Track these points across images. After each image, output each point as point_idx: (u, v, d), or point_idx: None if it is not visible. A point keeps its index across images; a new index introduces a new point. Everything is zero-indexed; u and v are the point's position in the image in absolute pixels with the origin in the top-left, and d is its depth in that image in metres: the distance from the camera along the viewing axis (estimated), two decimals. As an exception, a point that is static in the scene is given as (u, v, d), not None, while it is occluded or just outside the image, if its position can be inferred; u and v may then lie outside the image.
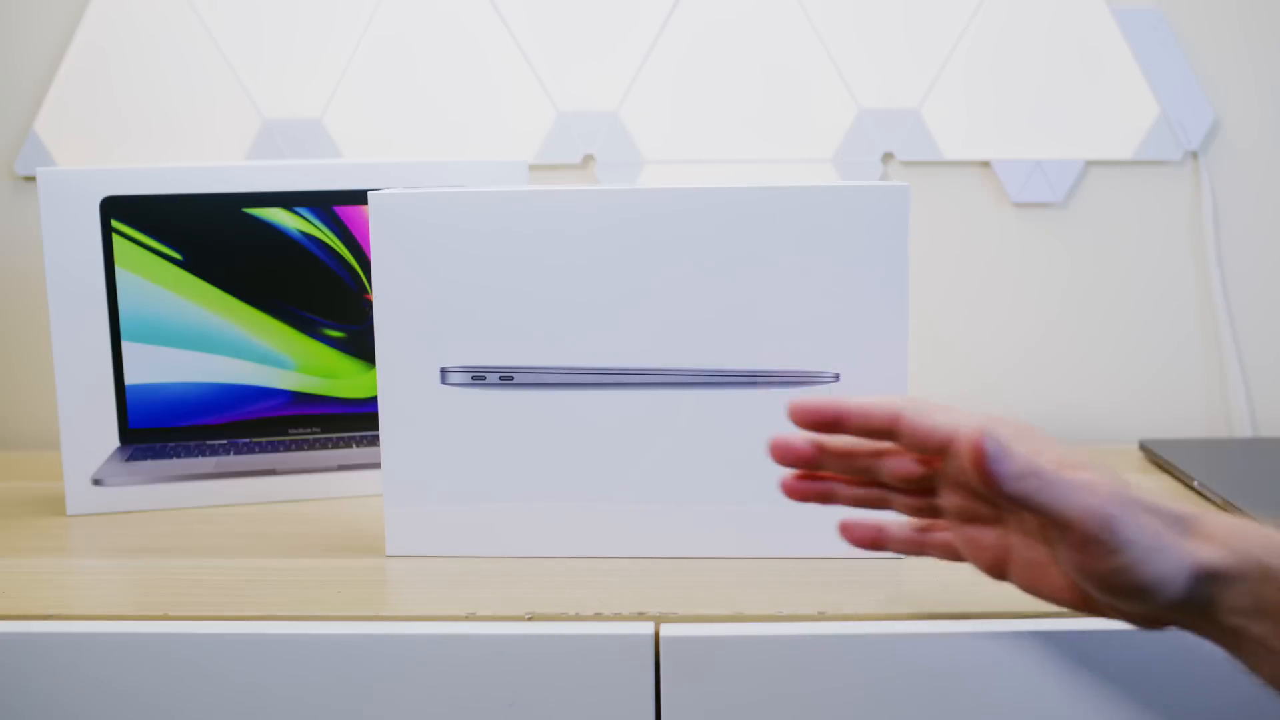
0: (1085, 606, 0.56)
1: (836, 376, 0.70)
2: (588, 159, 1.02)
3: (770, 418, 0.67)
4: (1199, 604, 0.55)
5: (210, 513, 0.83)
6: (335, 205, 0.85)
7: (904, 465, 0.58)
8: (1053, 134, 1.01)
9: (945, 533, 0.60)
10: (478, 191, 0.70)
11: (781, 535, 0.71)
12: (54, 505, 0.84)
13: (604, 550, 0.72)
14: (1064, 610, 0.64)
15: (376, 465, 0.87)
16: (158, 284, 0.83)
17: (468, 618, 0.64)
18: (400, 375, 0.72)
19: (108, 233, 0.81)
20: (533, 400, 0.71)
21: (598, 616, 0.64)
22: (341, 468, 0.87)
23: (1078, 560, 0.54)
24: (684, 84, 1.01)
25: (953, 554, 0.60)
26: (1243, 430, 1.02)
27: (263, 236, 0.84)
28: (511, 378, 0.71)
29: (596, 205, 0.69)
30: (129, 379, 0.83)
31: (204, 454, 0.85)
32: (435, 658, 0.63)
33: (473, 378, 0.71)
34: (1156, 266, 1.03)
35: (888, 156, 1.02)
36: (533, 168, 1.01)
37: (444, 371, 0.72)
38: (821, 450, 0.58)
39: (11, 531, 0.79)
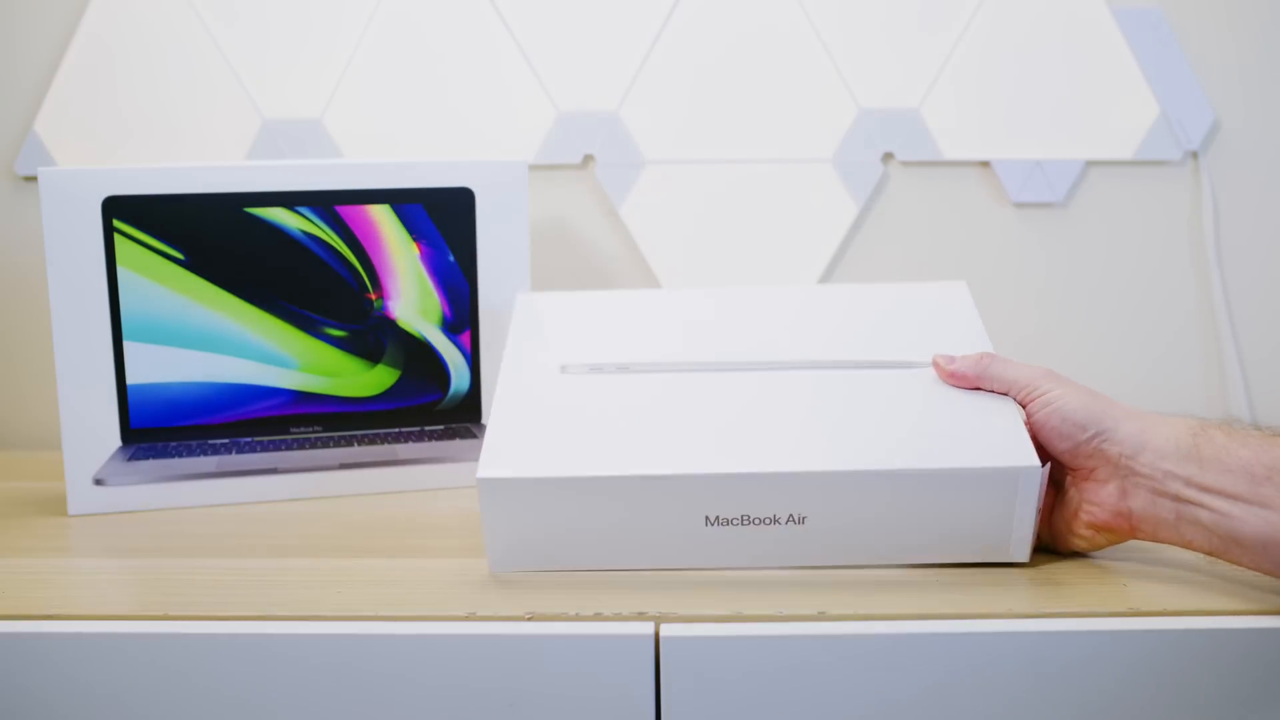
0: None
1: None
2: (588, 159, 1.02)
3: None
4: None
5: (211, 512, 0.83)
6: (337, 205, 0.85)
7: None
8: (1053, 134, 1.01)
9: None
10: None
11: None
12: (55, 505, 0.84)
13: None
14: (1064, 610, 0.64)
15: (378, 464, 0.88)
16: (159, 283, 0.83)
17: (468, 618, 0.64)
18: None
19: (109, 232, 0.82)
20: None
21: (598, 616, 0.64)
22: (343, 466, 0.87)
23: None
24: (684, 84, 1.01)
25: None
26: (1243, 430, 1.02)
27: (264, 236, 0.84)
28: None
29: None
30: (130, 378, 0.83)
31: (205, 453, 0.85)
32: (435, 658, 0.63)
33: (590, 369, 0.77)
34: (1156, 266, 1.03)
35: (888, 156, 1.02)
36: (533, 168, 1.01)
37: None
38: None
39: (12, 531, 0.80)
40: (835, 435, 0.71)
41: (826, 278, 1.03)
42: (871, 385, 0.75)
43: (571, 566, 0.69)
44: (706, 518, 0.68)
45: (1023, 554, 0.70)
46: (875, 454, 0.69)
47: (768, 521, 0.68)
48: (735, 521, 0.68)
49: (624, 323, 0.82)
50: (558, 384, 0.76)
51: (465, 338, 0.89)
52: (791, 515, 0.68)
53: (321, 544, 0.76)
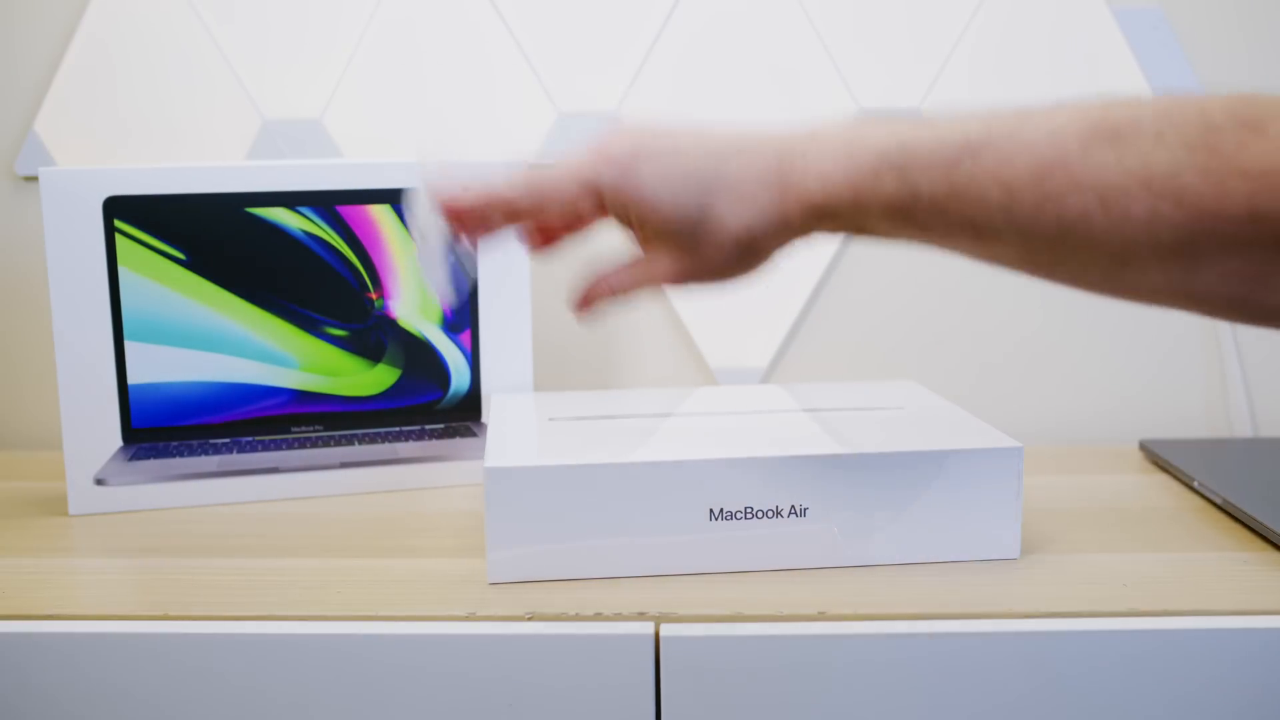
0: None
1: None
2: (588, 159, 1.02)
3: None
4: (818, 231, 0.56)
5: (212, 511, 0.84)
6: (338, 205, 0.85)
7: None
8: (1053, 134, 1.01)
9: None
10: None
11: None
12: (56, 505, 0.84)
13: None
14: (1064, 610, 0.64)
15: (378, 463, 0.88)
16: (160, 283, 0.83)
17: (468, 618, 0.64)
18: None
19: (110, 232, 0.82)
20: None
21: (598, 616, 0.64)
22: (344, 466, 0.87)
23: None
24: (684, 84, 1.01)
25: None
26: (1243, 430, 1.02)
27: (265, 236, 0.84)
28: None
29: None
30: (131, 378, 0.83)
31: (206, 453, 0.85)
32: (435, 658, 0.63)
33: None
34: (1157, 266, 1.03)
35: (888, 156, 1.02)
36: (532, 168, 1.01)
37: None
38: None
39: (13, 531, 0.80)
40: (831, 428, 0.74)
41: (826, 278, 1.03)
42: (851, 421, 0.78)
43: (573, 573, 0.69)
44: (711, 511, 0.69)
45: (1013, 549, 0.72)
46: (873, 440, 0.72)
47: (770, 514, 0.69)
48: (739, 515, 0.69)
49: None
50: (548, 427, 0.78)
51: (465, 337, 0.89)
52: (793, 507, 0.69)
53: (322, 544, 0.76)
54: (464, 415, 0.90)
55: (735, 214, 0.56)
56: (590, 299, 0.64)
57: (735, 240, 0.57)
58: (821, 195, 0.54)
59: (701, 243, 0.57)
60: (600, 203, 0.60)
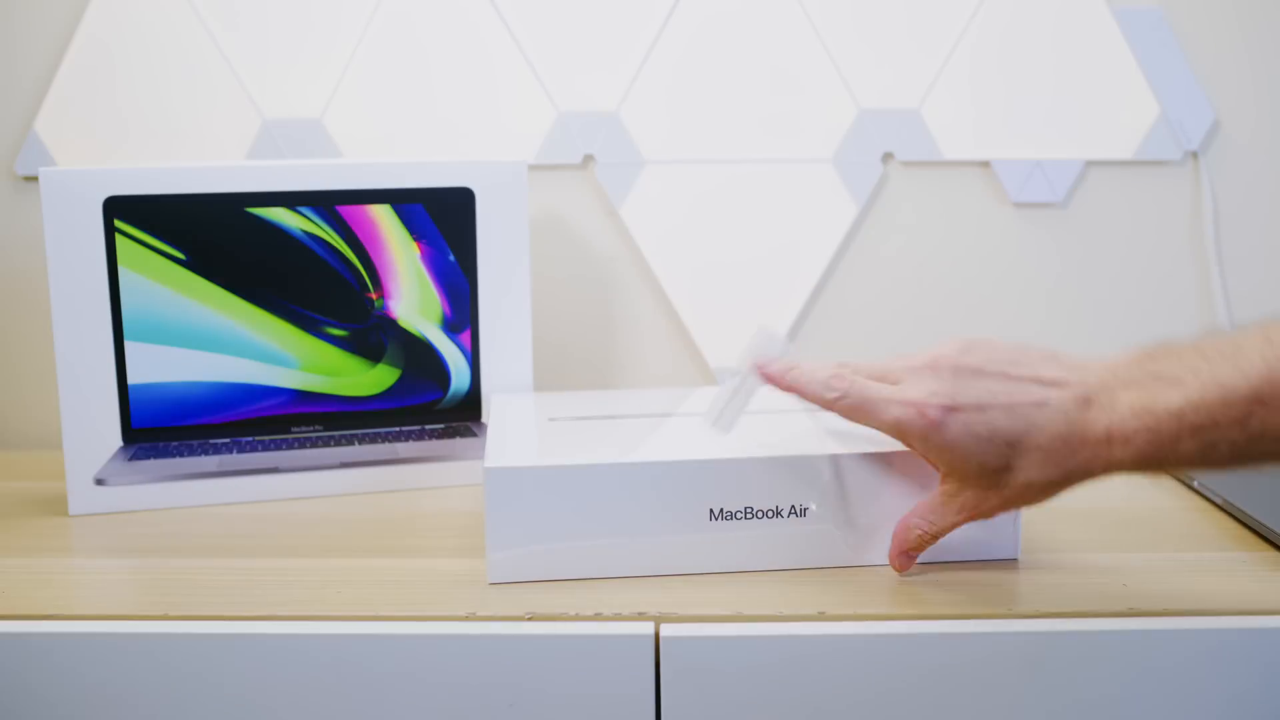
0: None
1: None
2: (588, 159, 1.02)
3: None
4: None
5: (212, 512, 0.83)
6: (338, 205, 0.85)
7: None
8: (1053, 134, 1.01)
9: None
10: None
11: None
12: (56, 505, 0.84)
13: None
14: (1064, 610, 0.64)
15: (378, 463, 0.88)
16: (161, 283, 0.83)
17: (468, 618, 0.64)
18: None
19: (110, 233, 0.82)
20: None
21: (598, 616, 0.64)
22: (344, 465, 0.87)
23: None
24: (684, 84, 1.01)
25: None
26: (1243, 430, 1.02)
27: (265, 236, 0.84)
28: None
29: None
30: (131, 378, 0.83)
31: (206, 453, 0.85)
32: (435, 658, 0.63)
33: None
34: (1156, 266, 1.03)
35: (888, 156, 1.02)
36: (532, 168, 1.01)
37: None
38: None
39: (13, 531, 0.80)
40: (831, 428, 0.74)
41: (826, 278, 1.03)
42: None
43: (573, 573, 0.69)
44: (711, 511, 0.69)
45: (1013, 549, 0.71)
46: (873, 440, 0.71)
47: (770, 514, 0.69)
48: (739, 515, 0.69)
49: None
50: (548, 427, 0.79)
51: (465, 337, 0.89)
52: (793, 507, 0.69)
53: (322, 543, 0.76)
54: (464, 415, 0.90)
55: (1041, 472, 0.60)
56: (906, 552, 0.68)
57: (1040, 491, 0.62)
58: (1127, 461, 0.59)
59: (1006, 487, 0.62)
60: None
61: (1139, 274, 1.03)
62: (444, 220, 0.87)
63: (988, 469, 0.61)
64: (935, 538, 0.67)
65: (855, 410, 0.64)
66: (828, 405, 0.65)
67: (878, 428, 0.64)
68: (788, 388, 0.66)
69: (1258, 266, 1.02)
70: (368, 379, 0.88)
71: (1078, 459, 0.59)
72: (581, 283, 1.03)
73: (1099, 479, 0.61)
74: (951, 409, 0.61)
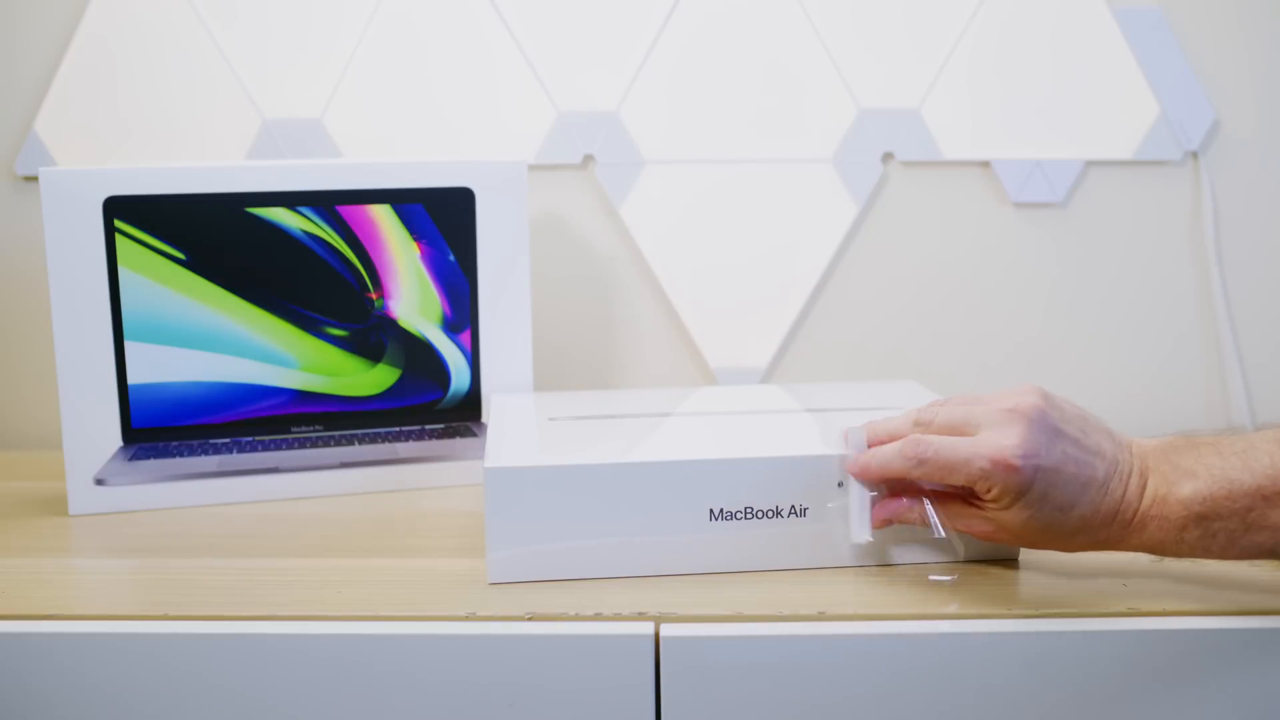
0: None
1: None
2: (588, 159, 1.02)
3: None
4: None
5: (212, 512, 0.84)
6: (338, 205, 0.85)
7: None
8: (1053, 134, 1.01)
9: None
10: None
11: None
12: (56, 505, 0.84)
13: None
14: (1064, 610, 0.64)
15: (378, 463, 0.88)
16: (161, 283, 0.83)
17: (468, 618, 0.64)
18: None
19: (110, 233, 0.82)
20: None
21: (598, 616, 0.64)
22: (344, 465, 0.87)
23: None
24: (684, 84, 1.01)
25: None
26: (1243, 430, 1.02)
27: (265, 236, 0.84)
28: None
29: None
30: (131, 378, 0.83)
31: (206, 453, 0.85)
32: (435, 658, 0.63)
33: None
34: (1156, 266, 1.03)
35: (888, 156, 1.02)
36: (532, 168, 1.01)
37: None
38: None
39: (13, 531, 0.80)
40: (831, 428, 0.74)
41: (826, 278, 1.03)
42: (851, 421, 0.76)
43: (573, 573, 0.69)
44: (711, 511, 0.69)
45: (1013, 549, 0.71)
46: None
47: (770, 514, 0.69)
48: (739, 515, 0.69)
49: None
50: (547, 427, 0.79)
51: (465, 337, 0.89)
52: (793, 507, 0.69)
53: (321, 544, 0.76)
54: (464, 415, 0.90)
55: (1073, 540, 0.65)
56: (892, 521, 0.69)
57: (1077, 549, 0.66)
58: (1141, 545, 0.65)
59: (1038, 536, 0.65)
60: None
61: (1139, 274, 1.03)
62: (444, 220, 0.87)
63: (1034, 523, 0.64)
64: (924, 525, 0.68)
65: (939, 473, 0.65)
66: (915, 478, 0.67)
67: (962, 484, 0.65)
68: (875, 479, 0.68)
69: (1258, 266, 1.02)
70: (368, 379, 0.88)
71: (1107, 533, 0.64)
72: (581, 283, 1.03)
73: (1108, 551, 0.66)
74: (1038, 466, 0.63)
